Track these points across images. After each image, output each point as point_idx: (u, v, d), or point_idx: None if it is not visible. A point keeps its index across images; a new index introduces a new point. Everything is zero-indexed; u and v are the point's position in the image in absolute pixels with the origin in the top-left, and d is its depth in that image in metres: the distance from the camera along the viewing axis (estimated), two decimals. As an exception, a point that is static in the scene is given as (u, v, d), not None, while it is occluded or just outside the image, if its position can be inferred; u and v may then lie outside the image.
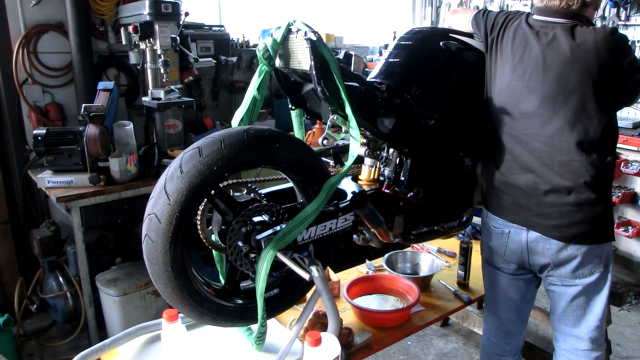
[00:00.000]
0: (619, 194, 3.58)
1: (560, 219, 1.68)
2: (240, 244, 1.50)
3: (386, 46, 4.73)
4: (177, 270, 1.38)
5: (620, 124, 3.45)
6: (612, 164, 1.69)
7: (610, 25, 3.40)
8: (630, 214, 3.73)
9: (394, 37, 4.15)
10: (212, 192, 1.48)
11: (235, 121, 1.67)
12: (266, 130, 1.46)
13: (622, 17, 3.40)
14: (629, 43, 1.64)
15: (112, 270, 2.91)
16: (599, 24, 3.56)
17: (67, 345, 3.03)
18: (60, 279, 2.97)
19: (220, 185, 1.53)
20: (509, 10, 1.80)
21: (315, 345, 1.44)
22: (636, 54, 3.42)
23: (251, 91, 1.64)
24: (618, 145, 3.37)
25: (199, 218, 1.58)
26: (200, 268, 3.03)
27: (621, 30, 3.44)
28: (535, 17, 1.71)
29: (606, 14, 3.49)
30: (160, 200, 1.32)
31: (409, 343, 3.08)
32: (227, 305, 1.57)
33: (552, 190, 1.68)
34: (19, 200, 3.25)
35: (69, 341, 3.04)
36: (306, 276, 1.46)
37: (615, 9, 3.37)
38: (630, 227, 3.62)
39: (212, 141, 1.36)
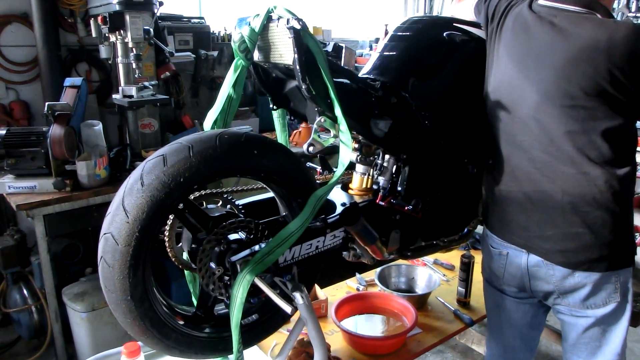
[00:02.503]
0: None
1: (566, 242, 1.45)
2: (212, 265, 1.30)
3: (377, 40, 4.52)
4: (137, 299, 1.19)
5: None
6: (630, 176, 1.43)
7: (619, 18, 3.21)
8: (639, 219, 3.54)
9: (386, 31, 3.96)
10: (180, 205, 1.28)
11: (207, 123, 1.46)
12: (242, 134, 1.25)
13: (633, 9, 3.18)
14: None
15: (80, 283, 2.68)
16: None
17: (35, 362, 2.81)
18: (25, 291, 2.76)
19: (190, 197, 1.32)
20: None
21: (299, 387, 1.23)
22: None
23: (226, 89, 1.42)
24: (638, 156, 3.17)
25: (167, 234, 1.39)
26: (178, 277, 2.84)
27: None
28: (541, 1, 1.46)
29: (615, 5, 3.28)
30: (118, 218, 1.13)
31: None
32: (198, 336, 1.38)
33: (555, 208, 1.44)
34: (-19, 206, 3.00)
35: (35, 358, 2.81)
36: (288, 310, 1.25)
37: (626, 0, 3.15)
38: (638, 234, 3.44)
39: (179, 148, 1.16)
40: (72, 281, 2.72)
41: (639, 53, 1.28)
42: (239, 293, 1.23)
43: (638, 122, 1.48)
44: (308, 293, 1.44)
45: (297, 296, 1.35)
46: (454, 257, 2.38)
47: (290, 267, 1.39)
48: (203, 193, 1.47)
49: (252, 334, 1.50)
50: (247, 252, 1.29)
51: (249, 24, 1.37)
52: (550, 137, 1.42)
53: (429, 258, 2.42)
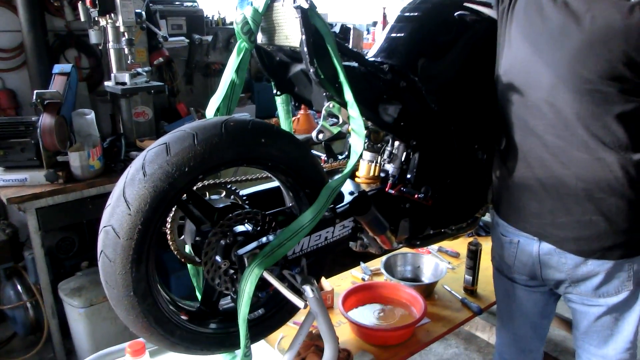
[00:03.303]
0: None
1: (580, 230, 1.41)
2: (218, 259, 1.25)
3: (374, 24, 4.42)
4: (140, 295, 1.13)
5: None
6: None
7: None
8: None
9: (384, 14, 3.87)
10: (184, 197, 1.23)
11: (210, 110, 1.38)
12: (249, 121, 1.18)
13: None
14: None
15: (77, 277, 2.61)
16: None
17: (32, 359, 2.75)
18: (19, 287, 2.68)
19: (194, 188, 1.26)
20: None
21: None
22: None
23: (229, 74, 1.35)
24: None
25: (169, 226, 1.33)
26: (177, 270, 2.78)
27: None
28: None
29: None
30: (119, 210, 1.07)
31: (406, 347, 2.86)
32: (204, 332, 1.33)
33: (569, 195, 1.40)
34: (-30, 199, 2.91)
35: (32, 355, 2.75)
36: (301, 304, 1.19)
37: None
38: None
39: (183, 136, 1.10)
40: (67, 276, 2.65)
41: None
42: (247, 287, 1.18)
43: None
44: (318, 286, 1.39)
45: (307, 289, 1.30)
46: (459, 244, 2.34)
47: (299, 260, 1.34)
48: (206, 183, 1.41)
49: (259, 329, 1.45)
50: (254, 244, 1.24)
51: (252, 4, 1.29)
52: (564, 121, 1.36)
53: (434, 246, 2.37)
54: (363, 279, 2.14)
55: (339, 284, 2.11)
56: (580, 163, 1.37)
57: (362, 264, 2.26)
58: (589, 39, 1.29)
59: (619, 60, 1.26)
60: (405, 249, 2.28)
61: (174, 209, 1.32)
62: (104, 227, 1.09)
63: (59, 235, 2.69)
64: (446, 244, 2.38)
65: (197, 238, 1.29)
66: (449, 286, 2.07)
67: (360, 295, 1.90)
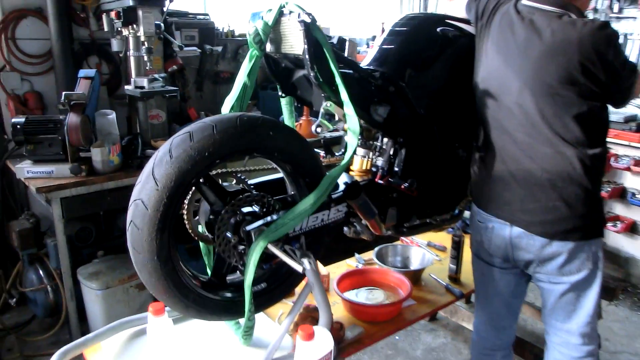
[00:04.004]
0: (609, 189, 3.58)
1: (544, 215, 1.63)
2: (229, 234, 1.45)
3: (374, 37, 4.67)
4: (163, 260, 1.32)
5: (611, 117, 3.43)
6: (600, 157, 1.61)
7: (603, 19, 3.40)
8: (619, 209, 3.73)
9: (382, 29, 4.11)
10: (201, 180, 1.42)
11: (225, 108, 1.61)
12: (260, 117, 1.41)
13: (615, 10, 3.37)
14: (619, 41, 1.55)
15: (94, 264, 2.82)
16: (590, 17, 3.54)
17: (48, 340, 2.94)
18: (41, 272, 2.88)
19: (211, 173, 1.47)
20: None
21: (308, 339, 1.39)
22: (630, 47, 3.42)
23: (241, 77, 1.58)
24: (608, 139, 3.37)
25: (185, 208, 1.52)
26: (185, 261, 2.99)
27: (613, 24, 3.44)
28: (523, 1, 1.65)
29: (599, 6, 3.48)
30: (148, 186, 1.26)
31: (397, 338, 3.05)
32: (213, 298, 1.52)
33: (536, 184, 1.62)
34: (-4, 191, 3.14)
35: (49, 336, 2.95)
36: (299, 268, 1.41)
37: (608, 1, 3.34)
38: (618, 222, 3.63)
39: (204, 126, 1.30)
40: (84, 263, 2.85)
41: (604, 45, 1.47)
42: (253, 257, 1.38)
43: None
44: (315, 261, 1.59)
45: (305, 262, 1.49)
46: (446, 239, 2.54)
47: (298, 237, 1.54)
48: (219, 172, 1.61)
49: (261, 301, 1.64)
50: (261, 221, 1.44)
51: (262, 18, 1.52)
52: (531, 121, 1.59)
53: (423, 240, 2.58)
54: (356, 267, 2.34)
55: (334, 270, 2.31)
56: (545, 157, 1.59)
57: (357, 255, 2.46)
58: (549, 50, 1.52)
59: (575, 67, 1.49)
60: (396, 242, 2.50)
61: (190, 192, 1.52)
62: (134, 200, 1.28)
63: (78, 225, 2.90)
64: (434, 239, 2.59)
65: (211, 216, 1.48)
66: (435, 275, 2.27)
67: (353, 278, 2.10)
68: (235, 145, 1.33)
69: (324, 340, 1.47)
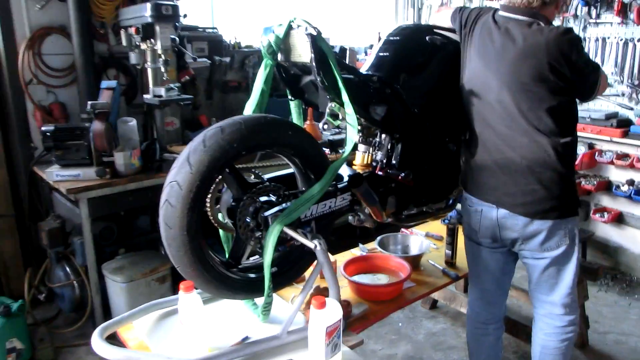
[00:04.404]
0: (595, 182, 3.79)
1: (525, 197, 1.84)
2: (248, 219, 1.65)
3: (371, 46, 4.91)
4: (191, 235, 1.49)
5: (593, 115, 3.68)
6: (571, 144, 1.84)
7: (582, 24, 3.64)
8: (606, 200, 3.94)
9: (379, 38, 4.32)
10: (227, 170, 1.61)
11: (247, 111, 1.83)
12: (281, 119, 1.63)
13: (593, 16, 3.60)
14: (581, 44, 1.78)
15: (117, 260, 3.05)
16: (571, 22, 3.77)
17: (74, 332, 3.13)
18: (67, 269, 3.10)
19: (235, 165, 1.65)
20: (483, 6, 1.97)
21: (320, 307, 1.59)
22: (605, 50, 3.66)
23: (259, 84, 1.79)
24: (592, 135, 3.62)
25: (208, 196, 1.67)
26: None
27: (591, 28, 3.69)
28: (500, 12, 1.89)
29: (578, 13, 3.70)
30: (183, 170, 1.44)
31: (400, 324, 3.25)
32: (231, 276, 1.70)
33: (517, 171, 1.83)
34: (23, 195, 3.37)
35: (75, 329, 3.14)
36: (312, 245, 1.62)
37: (587, 8, 3.57)
38: (605, 213, 3.84)
39: (233, 122, 1.51)
40: (107, 260, 3.06)
41: (567, 47, 1.71)
42: (271, 239, 1.57)
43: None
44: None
45: (316, 242, 1.70)
46: (442, 229, 2.75)
47: (309, 222, 1.75)
48: (239, 167, 1.83)
49: (275, 281, 1.79)
50: (277, 208, 1.64)
51: (274, 32, 1.75)
52: (510, 115, 1.82)
53: (421, 230, 2.80)
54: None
55: (341, 259, 2.52)
56: (523, 146, 1.82)
57: (360, 245, 2.68)
58: (522, 53, 1.76)
59: (544, 67, 1.73)
60: (397, 233, 2.71)
61: (214, 184, 1.73)
62: (170, 182, 1.46)
63: (102, 225, 3.11)
64: (431, 229, 2.81)
65: (233, 203, 1.68)
66: (433, 261, 2.49)
67: (359, 264, 2.31)
68: (258, 139, 1.54)
69: (334, 309, 1.67)
